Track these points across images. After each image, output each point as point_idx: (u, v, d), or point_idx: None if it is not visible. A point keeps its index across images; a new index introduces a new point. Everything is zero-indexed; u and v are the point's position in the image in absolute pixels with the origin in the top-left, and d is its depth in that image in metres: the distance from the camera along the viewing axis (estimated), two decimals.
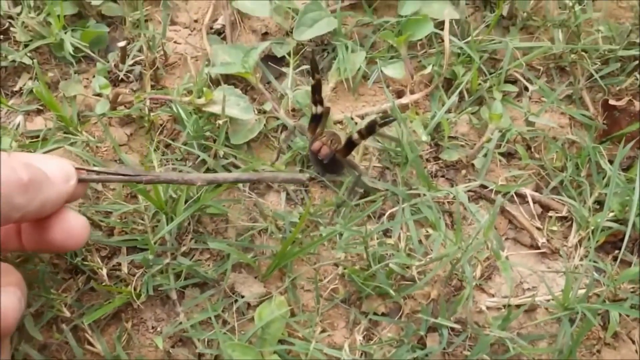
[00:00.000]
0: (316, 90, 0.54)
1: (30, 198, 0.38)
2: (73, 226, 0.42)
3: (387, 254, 0.53)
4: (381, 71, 0.65)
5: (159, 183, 0.50)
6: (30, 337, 0.49)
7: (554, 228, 0.58)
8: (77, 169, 0.44)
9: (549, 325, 0.53)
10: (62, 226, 0.42)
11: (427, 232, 0.56)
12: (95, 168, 0.46)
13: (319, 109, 0.55)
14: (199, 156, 0.58)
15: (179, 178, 0.47)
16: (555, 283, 0.55)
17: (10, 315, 0.39)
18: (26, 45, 0.63)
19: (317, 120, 0.55)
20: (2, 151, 0.43)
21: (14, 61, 0.63)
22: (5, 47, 0.64)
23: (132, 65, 0.64)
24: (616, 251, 0.56)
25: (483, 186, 0.60)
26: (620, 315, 0.53)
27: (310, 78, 0.53)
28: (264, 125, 0.61)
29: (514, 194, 0.59)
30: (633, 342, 0.53)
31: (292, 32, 0.66)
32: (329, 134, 0.55)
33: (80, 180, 0.44)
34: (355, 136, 0.52)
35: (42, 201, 0.40)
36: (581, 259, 0.55)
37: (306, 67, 0.64)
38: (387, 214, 0.57)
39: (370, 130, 0.51)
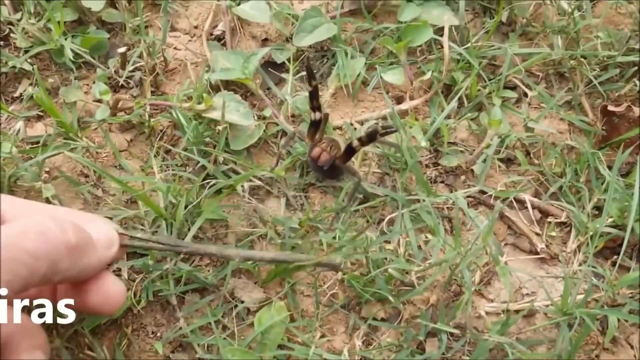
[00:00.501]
0: (313, 96, 0.54)
1: (74, 262, 0.37)
2: (112, 293, 0.42)
3: (386, 260, 0.53)
4: (381, 77, 0.65)
5: (198, 255, 0.52)
6: None
7: (553, 233, 0.58)
8: (120, 234, 0.43)
9: (547, 331, 0.53)
10: (100, 291, 0.41)
11: (427, 237, 0.56)
12: (138, 235, 0.46)
13: (318, 115, 0.55)
14: (199, 162, 0.58)
15: (217, 252, 0.49)
16: (554, 288, 0.55)
17: None
18: (26, 51, 0.64)
19: (316, 126, 0.56)
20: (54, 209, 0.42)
21: (14, 67, 0.63)
22: (6, 53, 0.64)
23: (132, 71, 0.64)
24: (615, 256, 0.56)
25: (482, 192, 0.60)
26: (618, 320, 0.53)
27: (308, 85, 0.54)
28: (264, 131, 0.61)
29: (513, 200, 0.59)
30: (632, 347, 0.53)
31: (292, 38, 0.66)
32: (328, 140, 0.56)
33: (122, 246, 0.44)
34: (356, 143, 0.53)
35: (84, 266, 0.39)
36: (580, 265, 0.56)
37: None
38: (386, 219, 0.57)
39: (370, 138, 0.52)
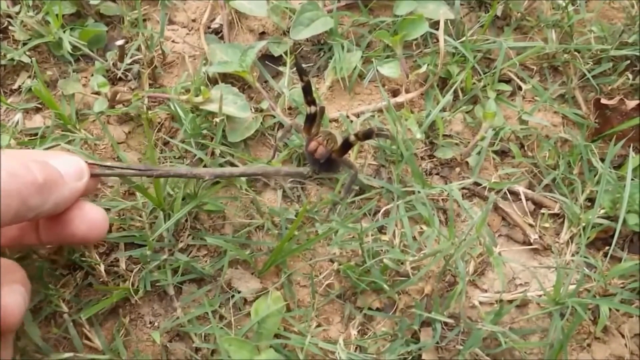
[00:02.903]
0: (307, 92, 0.54)
1: (45, 198, 0.38)
2: (94, 219, 0.43)
3: (381, 250, 0.54)
4: (377, 70, 0.66)
5: (169, 177, 0.51)
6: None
7: (546, 225, 0.59)
8: (89, 164, 0.43)
9: (540, 320, 0.54)
10: (82, 220, 0.42)
11: (421, 228, 0.56)
12: (107, 163, 0.46)
13: (313, 109, 0.55)
14: (196, 154, 0.58)
15: (187, 172, 0.48)
16: (546, 279, 0.56)
17: (14, 313, 0.39)
18: (25, 44, 0.64)
19: (312, 120, 0.56)
20: (2, 149, 0.43)
21: (12, 59, 0.63)
22: (4, 45, 0.64)
23: (130, 64, 0.65)
24: (607, 247, 0.57)
25: (477, 184, 0.60)
26: (610, 310, 0.53)
27: (300, 81, 0.54)
28: (261, 123, 0.61)
29: (507, 192, 0.60)
30: (623, 336, 0.54)
31: (289, 32, 0.66)
32: (324, 134, 0.56)
33: (93, 176, 0.44)
34: (352, 138, 0.53)
35: (56, 201, 0.40)
36: (572, 255, 0.56)
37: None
38: (382, 210, 0.57)
39: (367, 136, 0.52)
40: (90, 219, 0.43)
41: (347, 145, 0.54)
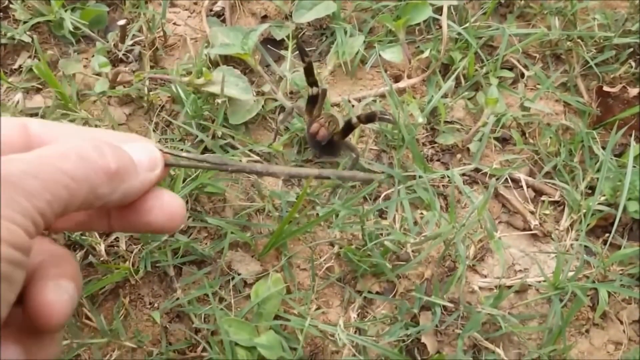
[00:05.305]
0: (309, 72, 0.54)
1: (115, 187, 0.35)
2: (174, 210, 0.39)
3: (382, 233, 0.54)
4: (379, 55, 0.66)
5: (245, 173, 0.50)
6: None
7: (547, 212, 0.59)
8: (163, 152, 0.41)
9: (539, 306, 0.54)
10: (162, 210, 0.39)
11: (422, 213, 0.57)
12: (184, 154, 0.43)
13: (315, 90, 0.55)
14: (198, 136, 0.58)
15: (263, 170, 0.47)
16: (546, 265, 0.56)
17: (58, 312, 0.34)
18: (25, 23, 0.64)
19: (314, 102, 0.56)
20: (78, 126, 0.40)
21: (13, 39, 0.63)
22: (5, 25, 0.64)
23: (132, 45, 0.64)
24: (606, 234, 0.57)
25: (477, 170, 0.60)
26: (609, 296, 0.54)
27: (302, 62, 0.54)
28: (262, 106, 0.61)
29: (508, 178, 0.60)
30: (621, 322, 0.54)
31: (291, 15, 0.66)
32: (326, 116, 0.56)
33: (167, 166, 0.41)
34: (354, 120, 0.53)
35: (126, 191, 0.37)
36: (572, 242, 0.56)
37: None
38: (382, 195, 0.57)
39: (369, 119, 0.52)
40: (171, 210, 0.39)
41: (349, 128, 0.54)
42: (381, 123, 0.60)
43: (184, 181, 0.54)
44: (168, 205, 0.39)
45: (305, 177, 0.51)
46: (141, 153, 0.38)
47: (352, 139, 0.60)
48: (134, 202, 0.39)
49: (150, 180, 0.39)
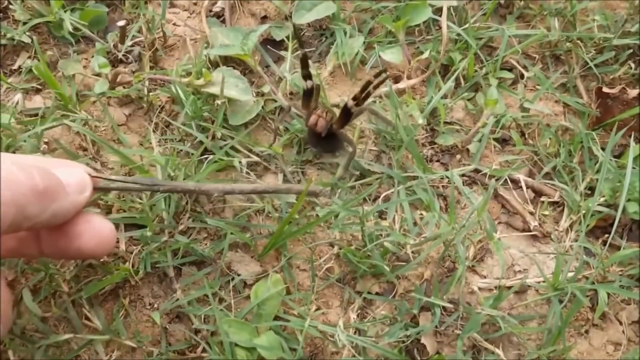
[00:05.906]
0: (304, 64, 0.54)
1: (44, 207, 0.36)
2: (103, 234, 0.40)
3: (382, 234, 0.54)
4: (379, 56, 0.66)
5: (176, 192, 0.50)
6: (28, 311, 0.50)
7: (546, 212, 0.59)
8: (92, 177, 0.41)
9: (539, 307, 0.54)
10: (91, 235, 0.40)
11: (422, 214, 0.57)
12: (112, 177, 0.44)
13: (309, 84, 0.55)
14: (197, 137, 0.58)
15: (195, 188, 0.47)
16: (545, 266, 0.56)
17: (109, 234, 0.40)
18: (25, 24, 0.64)
19: (309, 95, 0.56)
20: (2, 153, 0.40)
21: (12, 39, 0.63)
22: (4, 25, 0.64)
23: (131, 46, 0.64)
24: (606, 235, 0.57)
25: (477, 170, 0.60)
26: (608, 297, 0.54)
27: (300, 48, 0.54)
28: (262, 107, 0.61)
29: (507, 179, 0.60)
30: (620, 323, 0.54)
31: (291, 16, 0.66)
32: (323, 107, 0.56)
33: (96, 189, 0.42)
34: (350, 103, 0.53)
35: (55, 211, 0.37)
36: (572, 243, 0.56)
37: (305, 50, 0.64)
38: (382, 196, 0.57)
39: (363, 90, 0.52)
40: (100, 234, 0.40)
41: (347, 114, 0.54)
42: (379, 122, 0.60)
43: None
44: (98, 230, 0.40)
45: (239, 193, 0.50)
46: (70, 176, 0.39)
47: (352, 138, 0.60)
48: (65, 226, 0.39)
49: (80, 202, 0.40)
